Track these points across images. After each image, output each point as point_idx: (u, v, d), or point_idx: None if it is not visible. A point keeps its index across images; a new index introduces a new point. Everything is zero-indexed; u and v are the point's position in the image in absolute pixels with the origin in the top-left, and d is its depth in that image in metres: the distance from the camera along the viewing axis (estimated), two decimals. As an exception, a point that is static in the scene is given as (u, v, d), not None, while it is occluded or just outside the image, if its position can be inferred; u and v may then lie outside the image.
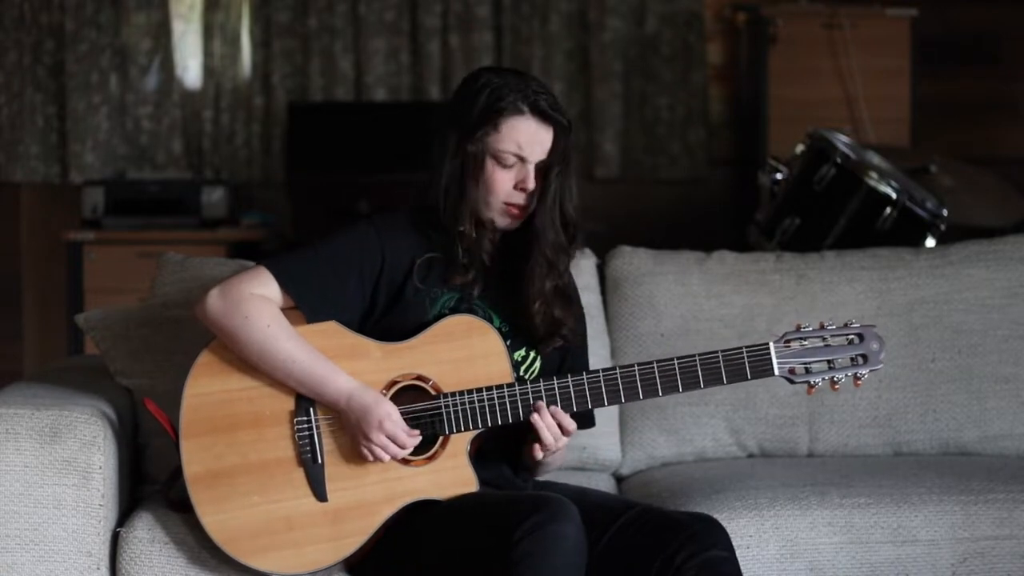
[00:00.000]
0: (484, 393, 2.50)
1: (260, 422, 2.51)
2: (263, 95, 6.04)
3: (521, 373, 2.59)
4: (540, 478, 2.68)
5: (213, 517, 2.50)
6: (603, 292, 3.26)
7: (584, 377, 2.51)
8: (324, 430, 2.51)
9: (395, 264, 2.57)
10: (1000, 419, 3.20)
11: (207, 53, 6.05)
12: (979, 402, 3.20)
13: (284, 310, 2.52)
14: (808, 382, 2.51)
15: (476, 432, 2.51)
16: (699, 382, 2.50)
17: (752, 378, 2.50)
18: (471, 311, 2.58)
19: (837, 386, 2.53)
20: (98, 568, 2.60)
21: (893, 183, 4.11)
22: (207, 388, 2.53)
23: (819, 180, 4.15)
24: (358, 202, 5.64)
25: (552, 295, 2.59)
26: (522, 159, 2.55)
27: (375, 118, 5.91)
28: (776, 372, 2.50)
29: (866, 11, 5.64)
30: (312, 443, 2.51)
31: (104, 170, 5.96)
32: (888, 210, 4.06)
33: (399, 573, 2.50)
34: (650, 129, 6.07)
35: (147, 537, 2.60)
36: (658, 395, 2.51)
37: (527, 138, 2.55)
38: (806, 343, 2.51)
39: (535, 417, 2.49)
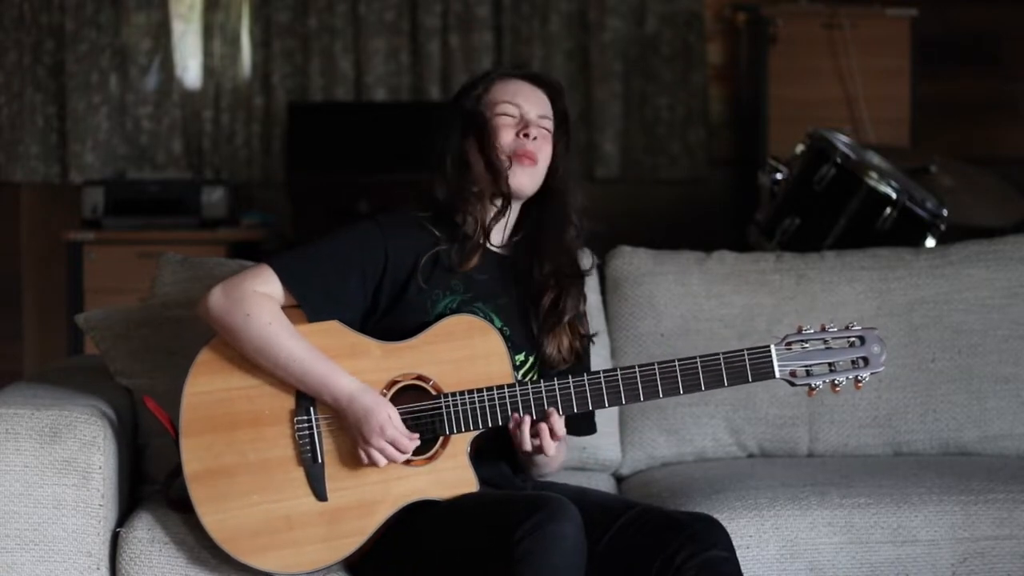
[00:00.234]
0: (485, 393, 2.50)
1: (260, 421, 2.51)
2: (263, 95, 6.04)
3: (520, 377, 2.59)
4: (540, 479, 2.68)
5: (212, 516, 2.50)
6: (603, 292, 3.26)
7: (585, 378, 2.51)
8: (324, 429, 2.51)
9: (398, 263, 2.57)
10: (1000, 419, 3.20)
11: (207, 53, 6.05)
12: (979, 402, 3.20)
13: (285, 308, 2.52)
14: (809, 384, 2.51)
15: (476, 432, 2.51)
16: (700, 384, 2.50)
17: (753, 380, 2.50)
18: (472, 313, 2.58)
19: (838, 389, 2.53)
20: (98, 568, 2.60)
21: (893, 183, 4.11)
22: (207, 387, 2.53)
23: (819, 180, 4.15)
24: (358, 202, 5.64)
25: (566, 277, 2.64)
26: (520, 112, 2.62)
27: (375, 118, 5.91)
28: (777, 374, 2.50)
29: (866, 11, 5.64)
30: (312, 442, 2.50)
31: (104, 170, 5.96)
32: (888, 210, 4.06)
33: (399, 573, 2.50)
34: (650, 129, 6.07)
35: (147, 537, 2.60)
36: (659, 397, 2.51)
37: (520, 91, 2.63)
38: (807, 345, 2.51)
39: (511, 426, 2.49)
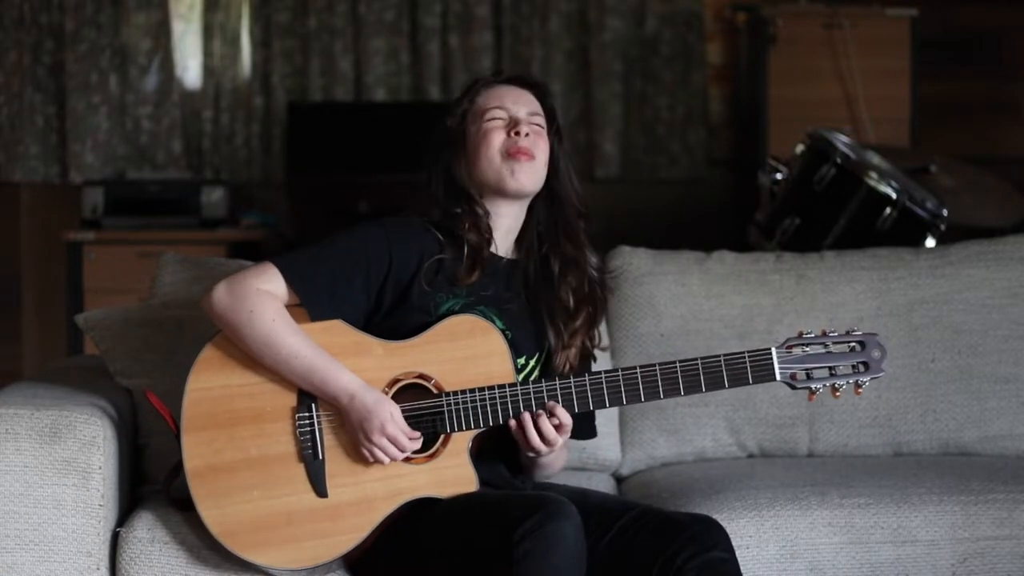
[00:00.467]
0: (486, 392, 2.50)
1: (261, 417, 2.52)
2: (263, 95, 6.04)
3: (521, 380, 2.59)
4: (542, 480, 2.68)
5: (213, 511, 2.50)
6: (604, 285, 3.25)
7: (586, 378, 2.52)
8: (326, 426, 2.52)
9: (402, 265, 2.58)
10: (1000, 419, 3.20)
11: (207, 53, 6.05)
12: (979, 402, 3.20)
13: (288, 307, 2.53)
14: (809, 388, 2.52)
15: (477, 431, 2.51)
16: (701, 385, 2.50)
17: (754, 382, 2.51)
18: (475, 315, 2.58)
19: (838, 393, 2.53)
20: (98, 568, 2.60)
21: (893, 183, 4.11)
22: (209, 383, 2.53)
23: (819, 180, 4.14)
24: (358, 202, 5.64)
25: (580, 271, 2.65)
26: (508, 114, 2.62)
27: (375, 118, 5.91)
28: (778, 377, 2.50)
29: (866, 11, 5.64)
30: (313, 439, 2.51)
31: (104, 170, 5.96)
32: (888, 210, 4.06)
33: (399, 572, 2.50)
34: (650, 129, 6.07)
35: (147, 537, 2.60)
36: (659, 398, 2.52)
37: (506, 95, 2.64)
38: (808, 349, 2.52)
39: (524, 417, 2.49)
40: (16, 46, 5.95)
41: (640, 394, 2.50)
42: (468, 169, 2.62)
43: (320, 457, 2.51)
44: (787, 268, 3.28)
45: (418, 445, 2.50)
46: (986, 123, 5.93)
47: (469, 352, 2.53)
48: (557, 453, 2.61)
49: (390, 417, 2.47)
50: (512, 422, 2.50)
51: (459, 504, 2.48)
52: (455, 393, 2.51)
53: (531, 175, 2.61)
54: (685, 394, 2.50)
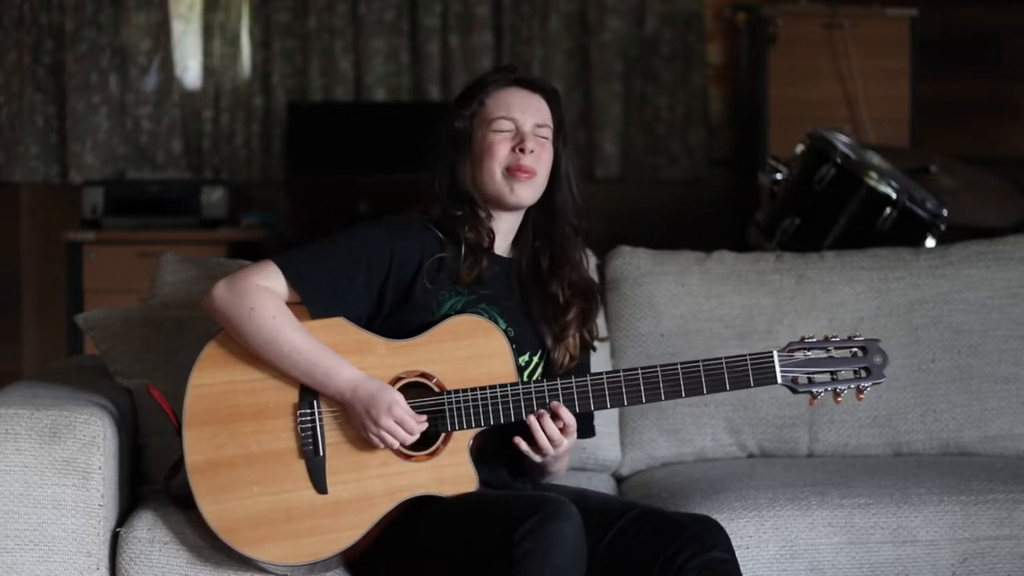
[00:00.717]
0: (487, 391, 2.51)
1: (263, 414, 2.52)
2: (263, 95, 6.04)
3: (524, 379, 2.59)
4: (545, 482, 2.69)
5: (213, 507, 2.50)
6: (603, 292, 3.26)
7: (587, 379, 2.52)
8: (327, 423, 2.52)
9: (404, 264, 2.58)
10: (1000, 419, 3.20)
11: (207, 53, 6.05)
12: (979, 402, 3.20)
13: (290, 305, 2.53)
14: (811, 392, 2.52)
15: (478, 430, 2.52)
16: (702, 388, 2.51)
17: (755, 385, 2.51)
18: (477, 314, 2.58)
19: (840, 398, 2.53)
20: (98, 568, 2.60)
21: (893, 183, 4.10)
22: (212, 379, 2.53)
23: (819, 180, 4.14)
24: (358, 202, 5.64)
25: (576, 276, 2.66)
26: (515, 125, 2.61)
27: (375, 118, 5.91)
28: (779, 380, 2.51)
29: (866, 11, 5.64)
30: (314, 435, 2.51)
31: (104, 170, 5.96)
32: (888, 210, 4.06)
33: (399, 570, 2.50)
34: (650, 129, 6.07)
35: (147, 537, 2.60)
36: (661, 399, 2.52)
37: (516, 101, 2.63)
38: (810, 353, 2.52)
39: (531, 419, 2.49)
40: (16, 46, 5.95)
41: (641, 395, 2.51)
42: (471, 174, 2.63)
43: (321, 453, 2.51)
44: (787, 268, 3.28)
45: (424, 427, 2.50)
46: (986, 123, 5.93)
47: (471, 352, 2.54)
48: (562, 459, 2.61)
49: (396, 400, 2.47)
50: (517, 438, 2.51)
51: (459, 504, 2.48)
52: (456, 392, 2.51)
53: (531, 191, 2.63)
54: (686, 396, 2.51)
